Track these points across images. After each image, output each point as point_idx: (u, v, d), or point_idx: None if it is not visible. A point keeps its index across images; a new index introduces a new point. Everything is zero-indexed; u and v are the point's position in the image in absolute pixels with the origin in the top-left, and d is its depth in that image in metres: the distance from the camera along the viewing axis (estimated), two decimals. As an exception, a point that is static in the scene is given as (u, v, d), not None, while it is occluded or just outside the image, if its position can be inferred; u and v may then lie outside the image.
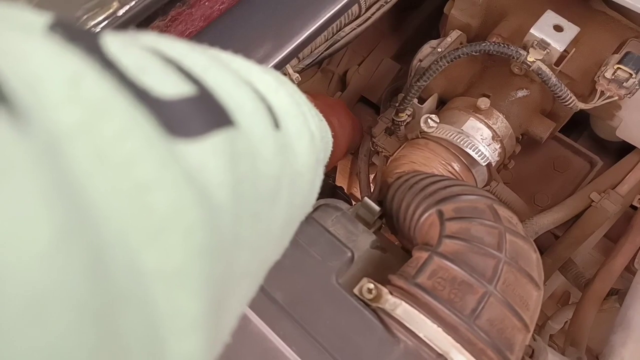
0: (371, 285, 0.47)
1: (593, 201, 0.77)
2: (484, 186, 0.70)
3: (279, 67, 0.60)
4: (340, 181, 1.39)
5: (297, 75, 0.66)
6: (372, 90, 1.11)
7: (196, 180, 0.18)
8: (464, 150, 0.64)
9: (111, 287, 0.14)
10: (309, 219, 0.51)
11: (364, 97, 1.11)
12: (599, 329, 0.67)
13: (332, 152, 0.61)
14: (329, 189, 1.07)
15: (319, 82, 1.16)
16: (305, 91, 0.61)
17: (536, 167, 1.04)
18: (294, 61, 0.66)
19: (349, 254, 0.49)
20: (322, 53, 0.67)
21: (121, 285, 0.14)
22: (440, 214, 0.51)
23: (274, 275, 0.48)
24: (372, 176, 1.00)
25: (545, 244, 0.83)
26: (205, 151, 0.19)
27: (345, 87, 1.14)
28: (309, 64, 0.67)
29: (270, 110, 0.26)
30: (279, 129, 0.26)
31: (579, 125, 1.09)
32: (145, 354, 0.15)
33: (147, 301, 0.15)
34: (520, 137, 0.73)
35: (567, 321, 0.80)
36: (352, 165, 1.26)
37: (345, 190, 1.25)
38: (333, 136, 0.49)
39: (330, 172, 1.63)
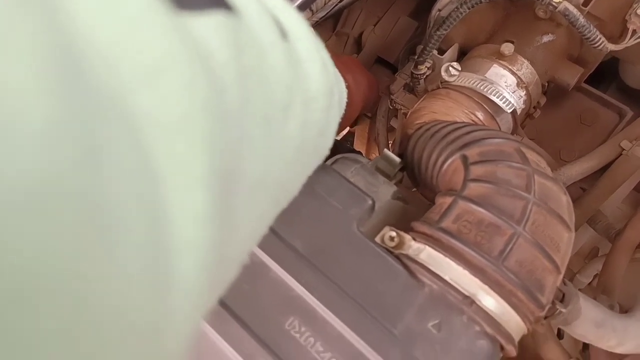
0: (393, 233, 0.46)
1: (624, 149, 0.74)
2: (509, 136, 0.68)
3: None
4: (359, 147, 1.37)
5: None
6: (389, 50, 1.08)
7: (199, 46, 0.16)
8: (488, 98, 0.61)
9: (98, 127, 0.12)
10: (328, 169, 0.50)
11: (381, 58, 1.08)
12: (631, 283, 0.65)
13: (348, 109, 0.59)
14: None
15: (334, 46, 1.13)
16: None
17: (562, 122, 1.00)
18: (307, 13, 0.64)
19: (370, 202, 0.48)
20: (336, 4, 0.65)
21: (110, 126, 0.13)
22: (465, 158, 0.49)
23: (292, 225, 0.47)
24: (390, 142, 0.98)
25: (573, 198, 0.80)
26: (208, 26, 0.17)
27: (360, 49, 1.12)
28: (323, 16, 0.65)
29: (276, 21, 0.24)
30: (287, 40, 0.25)
31: (606, 77, 1.05)
32: (143, 215, 0.13)
33: (141, 147, 0.14)
34: (547, 85, 0.70)
35: (596, 274, 0.77)
36: (370, 131, 1.24)
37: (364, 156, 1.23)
38: (348, 94, 0.48)
39: (347, 137, 1.61)
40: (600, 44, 0.60)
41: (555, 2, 0.59)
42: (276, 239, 0.46)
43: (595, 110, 0.96)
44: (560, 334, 0.69)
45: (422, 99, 0.66)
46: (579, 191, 0.81)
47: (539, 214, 0.44)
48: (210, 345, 0.43)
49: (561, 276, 0.44)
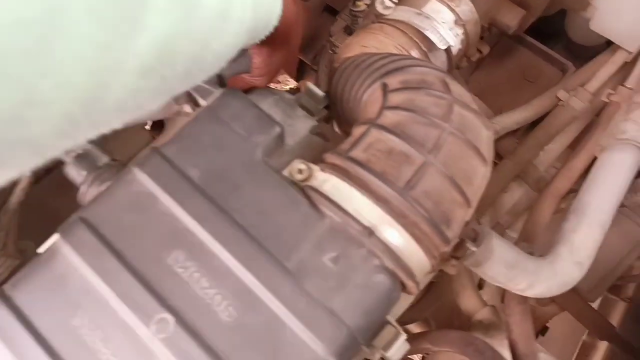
0: (302, 166, 0.42)
1: (560, 100, 0.72)
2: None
3: None
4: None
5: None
6: (336, -2, 1.02)
7: None
8: (423, 34, 0.58)
9: None
10: (235, 93, 0.45)
11: (329, 6, 1.02)
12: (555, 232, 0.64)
13: (300, 29, 0.54)
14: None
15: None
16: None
17: (506, 78, 0.98)
18: None
19: (278, 130, 0.43)
20: None
21: None
22: (384, 86, 0.45)
23: (189, 152, 0.42)
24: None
25: (509, 150, 0.78)
26: None
27: (308, -2, 1.05)
28: None
29: None
30: None
31: (554, 35, 1.03)
32: None
33: None
34: (487, 27, 0.67)
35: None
36: (316, 82, 1.19)
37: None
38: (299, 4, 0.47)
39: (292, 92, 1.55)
40: (540, -19, 0.57)
41: None
42: (170, 167, 0.41)
43: (539, 67, 0.94)
44: (480, 284, 0.68)
45: (354, 34, 0.61)
46: (514, 144, 0.79)
47: (454, 144, 0.40)
48: (80, 279, 0.38)
49: (472, 211, 0.41)
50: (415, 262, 0.39)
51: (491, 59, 1.00)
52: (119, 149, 0.54)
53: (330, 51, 0.85)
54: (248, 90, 0.55)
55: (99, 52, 0.24)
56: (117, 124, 0.30)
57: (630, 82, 0.66)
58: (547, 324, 1.36)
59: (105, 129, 0.29)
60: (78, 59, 0.23)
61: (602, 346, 1.31)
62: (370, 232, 0.38)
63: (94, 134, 0.29)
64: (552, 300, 1.11)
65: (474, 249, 0.43)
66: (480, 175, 0.42)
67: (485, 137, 0.43)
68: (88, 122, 0.27)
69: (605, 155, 0.52)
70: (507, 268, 0.45)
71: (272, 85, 0.64)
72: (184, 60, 0.31)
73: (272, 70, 0.52)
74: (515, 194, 0.83)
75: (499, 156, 0.83)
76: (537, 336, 1.33)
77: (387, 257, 0.38)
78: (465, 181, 0.40)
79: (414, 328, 1.22)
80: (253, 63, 0.49)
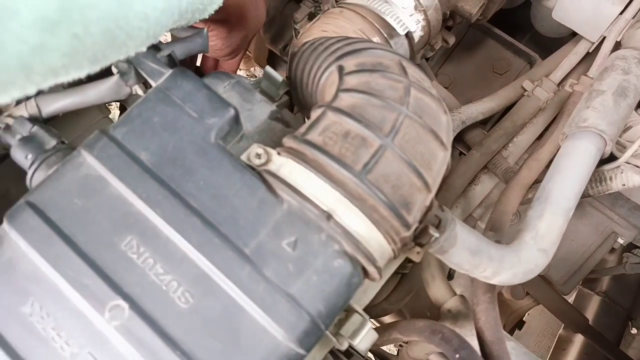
0: (260, 150, 0.41)
1: (526, 90, 0.73)
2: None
3: None
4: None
5: None
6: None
7: None
8: (383, 20, 0.57)
9: None
10: (187, 74, 0.43)
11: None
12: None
13: (258, 8, 0.52)
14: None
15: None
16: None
17: (475, 71, 0.99)
18: None
19: (232, 112, 0.42)
20: None
21: None
22: (341, 68, 0.44)
23: (140, 135, 0.40)
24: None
25: (477, 141, 0.78)
26: None
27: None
28: None
29: None
30: None
31: (521, 28, 1.04)
32: None
33: None
34: (449, 13, 0.67)
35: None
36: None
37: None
38: None
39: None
40: (502, -32, 0.57)
41: None
42: (119, 150, 0.39)
43: (507, 60, 0.95)
44: (450, 275, 0.68)
45: (315, 19, 0.61)
46: (482, 135, 0.79)
47: (411, 127, 0.40)
48: (28, 265, 0.37)
49: (432, 195, 0.41)
50: (375, 246, 0.38)
51: (460, 52, 1.01)
52: (71, 132, 0.52)
53: (295, 38, 0.84)
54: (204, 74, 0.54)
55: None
56: (31, 88, 0.28)
57: (592, 71, 0.67)
58: (524, 319, 1.38)
59: (19, 92, 0.28)
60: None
61: (578, 340, 1.33)
62: (328, 216, 0.37)
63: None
64: (527, 293, 1.12)
65: (437, 235, 0.42)
66: (439, 159, 0.41)
67: (444, 122, 0.43)
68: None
69: (567, 143, 0.52)
70: (471, 255, 0.45)
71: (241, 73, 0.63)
72: (98, 18, 0.29)
73: (233, 50, 0.51)
74: (487, 187, 0.83)
75: (468, 147, 0.83)
76: (514, 330, 1.35)
77: (346, 242, 0.37)
78: (424, 165, 0.39)
79: (389, 320, 1.22)
80: (211, 43, 0.48)
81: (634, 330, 1.33)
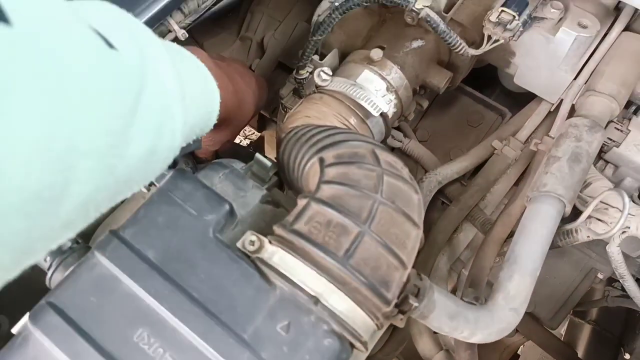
0: (253, 237, 0.46)
1: (495, 149, 0.79)
2: (383, 139, 0.70)
3: (157, 18, 0.57)
4: (269, 152, 1.37)
5: (184, 31, 0.64)
6: (289, 55, 1.09)
7: None
8: (358, 103, 0.63)
9: None
10: (186, 175, 0.49)
11: (282, 63, 1.09)
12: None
13: (243, 110, 0.60)
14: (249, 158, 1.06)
15: (238, 51, 1.13)
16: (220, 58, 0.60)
17: (451, 124, 1.05)
18: (179, 16, 0.63)
19: (227, 207, 0.48)
20: (209, 8, 0.65)
21: None
22: (322, 160, 0.50)
23: (146, 234, 0.46)
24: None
25: (454, 195, 0.84)
26: None
27: (263, 54, 1.12)
28: (195, 19, 0.64)
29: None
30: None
31: (492, 82, 1.12)
32: None
33: None
34: (419, 89, 0.73)
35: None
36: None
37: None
38: (241, 93, 0.55)
39: (258, 142, 1.60)
40: (462, 49, 0.63)
41: (417, 9, 0.61)
42: (128, 250, 0.44)
43: (480, 113, 1.02)
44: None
45: (298, 103, 0.67)
46: (461, 187, 0.85)
47: (385, 212, 0.45)
48: (52, 363, 0.41)
49: (407, 271, 0.46)
50: (359, 324, 0.43)
51: (436, 108, 1.07)
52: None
53: (283, 110, 0.90)
54: (201, 162, 0.60)
55: (24, 235, 0.27)
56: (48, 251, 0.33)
57: (553, 131, 0.73)
58: (519, 352, 1.41)
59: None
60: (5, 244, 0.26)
61: (572, 370, 1.36)
62: (316, 300, 0.41)
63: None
64: (517, 330, 1.16)
65: (416, 304, 0.47)
66: (412, 238, 0.46)
67: (415, 202, 0.48)
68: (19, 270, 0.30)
69: (531, 206, 0.58)
70: (449, 319, 0.49)
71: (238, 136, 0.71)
72: (108, 200, 0.35)
73: (219, 142, 0.58)
74: (469, 233, 0.88)
75: (448, 199, 0.88)
76: (509, 365, 1.37)
77: (334, 322, 0.41)
78: (399, 245, 0.45)
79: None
80: (202, 142, 0.55)
81: (627, 356, 1.36)
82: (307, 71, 0.72)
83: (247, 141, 2.10)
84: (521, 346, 1.40)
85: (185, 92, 0.41)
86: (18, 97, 0.23)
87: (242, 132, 1.97)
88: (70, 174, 0.27)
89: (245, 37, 1.12)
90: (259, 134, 1.51)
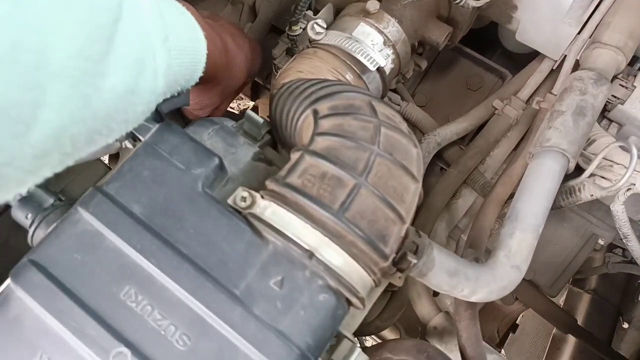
0: (245, 193, 0.44)
1: (496, 109, 0.76)
2: (381, 97, 0.68)
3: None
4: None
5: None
6: (282, 18, 1.06)
7: None
8: (354, 57, 0.61)
9: None
10: (172, 128, 0.47)
11: (275, 27, 1.05)
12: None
13: (233, 71, 0.57)
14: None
15: (230, 15, 1.10)
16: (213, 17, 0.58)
17: (450, 88, 1.02)
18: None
19: (217, 161, 0.45)
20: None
21: None
22: (315, 112, 0.47)
23: (131, 189, 0.44)
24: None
25: (454, 158, 0.82)
26: None
27: (256, 18, 1.09)
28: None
29: None
30: None
31: (492, 44, 1.08)
32: None
33: None
34: (417, 46, 0.70)
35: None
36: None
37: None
38: (232, 53, 0.53)
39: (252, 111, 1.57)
40: (461, 1, 0.60)
41: (416, -42, 0.58)
42: (113, 205, 0.42)
43: (480, 76, 0.99)
44: (436, 291, 0.70)
45: (291, 59, 0.64)
46: (460, 151, 0.83)
47: (383, 164, 0.43)
48: (35, 321, 0.39)
49: (406, 226, 0.44)
50: (356, 279, 0.41)
51: (435, 71, 1.04)
52: (74, 184, 0.55)
53: (276, 72, 0.87)
54: (190, 120, 0.57)
55: None
56: (23, 189, 0.31)
57: (556, 89, 0.71)
58: (518, 321, 1.41)
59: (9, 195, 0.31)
60: None
61: (572, 338, 1.36)
62: (310, 254, 0.40)
63: None
64: (516, 298, 1.15)
65: (415, 261, 0.45)
66: (411, 191, 0.44)
67: (414, 155, 0.46)
68: None
69: (533, 162, 0.56)
70: (449, 276, 0.48)
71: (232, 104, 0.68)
72: (85, 136, 0.32)
73: (208, 104, 0.55)
74: (468, 199, 0.86)
75: (447, 164, 0.86)
76: (508, 333, 1.37)
77: (329, 277, 0.40)
78: (397, 199, 0.43)
79: (387, 334, 1.25)
80: (191, 98, 0.52)
81: (625, 325, 1.36)
82: (300, 27, 0.69)
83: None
84: (520, 315, 1.40)
85: (168, 34, 0.38)
86: None
87: (235, 103, 1.94)
88: (40, 94, 0.26)
89: (236, 1, 1.09)
90: (253, 103, 1.49)
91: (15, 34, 0.23)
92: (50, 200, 0.45)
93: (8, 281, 0.41)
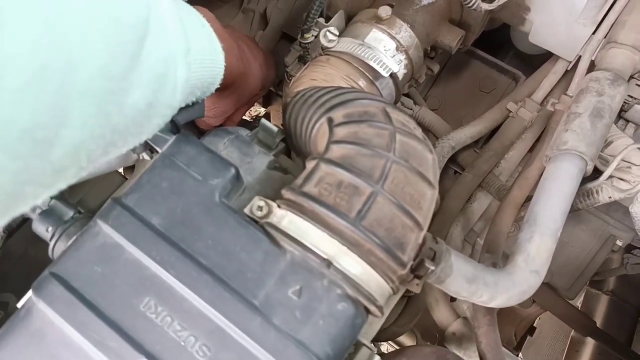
0: (261, 203, 0.44)
1: (510, 112, 0.76)
2: (394, 103, 0.68)
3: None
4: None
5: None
6: (293, 25, 1.06)
7: None
8: (367, 64, 0.61)
9: None
10: (189, 139, 0.47)
11: (287, 34, 1.06)
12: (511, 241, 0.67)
13: (249, 79, 0.58)
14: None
15: (241, 23, 1.10)
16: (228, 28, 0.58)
17: (463, 91, 1.02)
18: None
19: (233, 171, 0.45)
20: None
21: None
22: (330, 120, 0.47)
23: (150, 200, 0.44)
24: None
25: (469, 162, 0.81)
26: None
27: (267, 25, 1.09)
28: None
29: None
30: None
31: (504, 46, 1.08)
32: None
33: None
34: (430, 49, 0.70)
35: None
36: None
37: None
38: (247, 62, 0.54)
39: (265, 118, 1.58)
40: (474, 4, 0.60)
41: (427, -37, 0.58)
42: (132, 217, 0.43)
43: (493, 78, 0.98)
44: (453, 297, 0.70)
45: (304, 67, 0.64)
46: (474, 155, 0.82)
47: (399, 171, 0.43)
48: (57, 333, 0.39)
49: (424, 233, 0.44)
50: (374, 287, 0.41)
51: (447, 74, 1.04)
52: (92, 194, 0.56)
53: (288, 80, 0.87)
54: (205, 130, 0.58)
55: (13, 176, 0.26)
56: (39, 201, 0.31)
57: (571, 90, 0.70)
58: (535, 324, 1.39)
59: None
60: None
61: (590, 340, 1.34)
62: (328, 263, 0.40)
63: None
64: (534, 301, 1.14)
65: (432, 267, 0.45)
66: (428, 198, 0.44)
67: (430, 161, 0.46)
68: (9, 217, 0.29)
69: (550, 165, 0.55)
70: (467, 283, 0.47)
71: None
72: (102, 150, 0.33)
73: (222, 112, 0.56)
74: (483, 203, 0.85)
75: (461, 167, 0.86)
76: (525, 336, 1.36)
77: (347, 285, 0.40)
78: (414, 206, 0.42)
79: (404, 339, 1.24)
80: (206, 108, 0.52)
81: (645, 326, 1.34)
82: (313, 34, 0.69)
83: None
84: (537, 318, 1.39)
85: (190, 48, 0.38)
86: (7, 14, 0.21)
87: (248, 114, 1.95)
88: (64, 114, 0.26)
89: (247, 9, 1.10)
90: (265, 110, 1.49)
91: (44, 56, 0.23)
92: (70, 213, 0.46)
93: (30, 294, 0.41)
